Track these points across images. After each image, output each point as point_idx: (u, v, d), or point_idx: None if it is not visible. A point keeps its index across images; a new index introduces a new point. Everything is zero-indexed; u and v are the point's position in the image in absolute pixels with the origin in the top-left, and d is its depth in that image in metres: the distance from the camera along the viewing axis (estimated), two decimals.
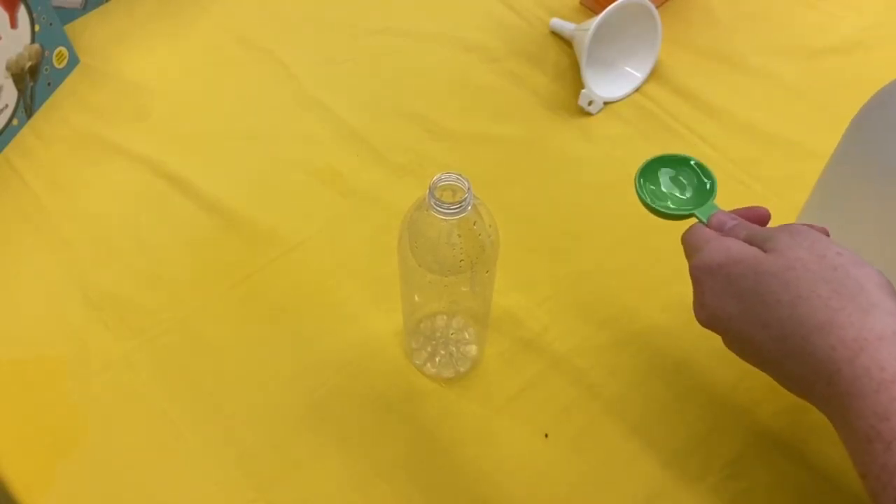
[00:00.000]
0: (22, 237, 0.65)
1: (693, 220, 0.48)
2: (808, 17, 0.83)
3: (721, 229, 0.46)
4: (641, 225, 0.60)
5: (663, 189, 0.51)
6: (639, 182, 0.50)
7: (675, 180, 0.51)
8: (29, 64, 0.71)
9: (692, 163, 0.51)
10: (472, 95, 0.76)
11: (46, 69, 0.73)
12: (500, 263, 0.50)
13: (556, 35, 0.81)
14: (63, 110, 0.74)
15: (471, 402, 0.56)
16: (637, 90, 0.76)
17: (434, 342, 0.59)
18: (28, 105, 0.72)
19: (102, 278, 0.62)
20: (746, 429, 0.55)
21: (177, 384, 0.57)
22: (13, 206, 0.67)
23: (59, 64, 0.75)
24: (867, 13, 0.83)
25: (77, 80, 0.76)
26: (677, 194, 0.50)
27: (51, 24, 0.72)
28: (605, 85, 0.75)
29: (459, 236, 0.45)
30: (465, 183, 0.43)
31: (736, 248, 0.43)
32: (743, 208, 0.48)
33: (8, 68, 0.68)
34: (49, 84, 0.74)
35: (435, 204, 0.43)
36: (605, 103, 0.75)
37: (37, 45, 0.71)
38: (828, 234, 0.44)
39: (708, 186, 0.49)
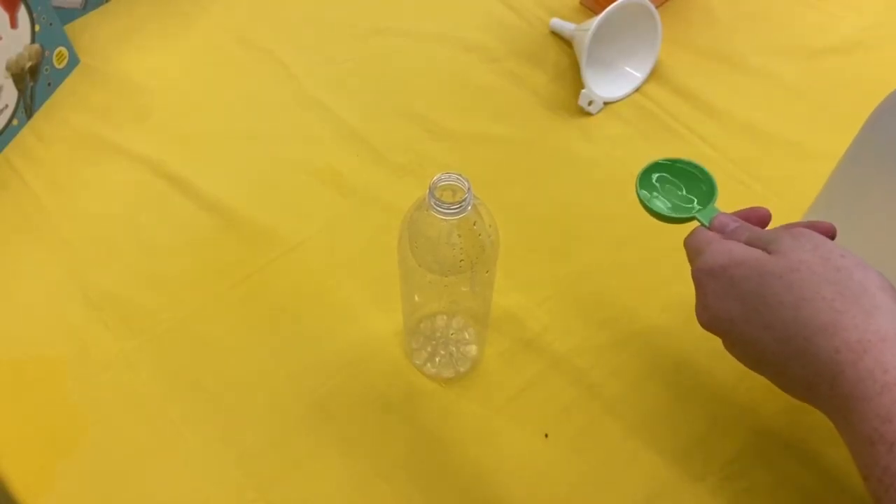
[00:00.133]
0: (22, 237, 0.65)
1: (694, 224, 0.48)
2: (808, 17, 0.83)
3: (723, 231, 0.46)
4: (641, 225, 0.60)
5: (664, 192, 0.51)
6: (640, 185, 0.50)
7: (676, 183, 0.51)
8: (29, 64, 0.71)
9: (693, 166, 0.51)
10: (472, 95, 0.76)
11: (46, 69, 0.73)
12: (500, 263, 0.50)
13: (556, 35, 0.81)
14: (63, 110, 0.74)
15: (471, 402, 0.56)
16: (637, 90, 0.76)
17: (434, 342, 0.59)
18: (28, 105, 0.72)
19: (102, 278, 0.62)
20: (747, 429, 0.55)
21: (177, 384, 0.57)
22: (13, 206, 0.67)
23: (59, 64, 0.75)
24: (867, 13, 0.83)
25: (77, 80, 0.76)
26: (678, 197, 0.50)
27: (51, 24, 0.72)
28: (605, 85, 0.75)
29: (459, 236, 0.45)
30: (465, 183, 0.43)
31: (738, 250, 0.43)
32: (744, 209, 0.48)
33: (8, 68, 0.68)
34: (49, 84, 0.74)
35: (435, 204, 0.43)
36: (605, 103, 0.75)
37: (37, 45, 0.71)
38: (834, 230, 0.44)
39: (709, 189, 0.49)
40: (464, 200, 0.43)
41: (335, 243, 0.65)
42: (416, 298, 0.55)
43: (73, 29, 0.79)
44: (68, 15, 0.80)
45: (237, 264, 0.63)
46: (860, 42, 0.80)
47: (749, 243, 0.43)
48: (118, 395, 0.56)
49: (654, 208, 0.49)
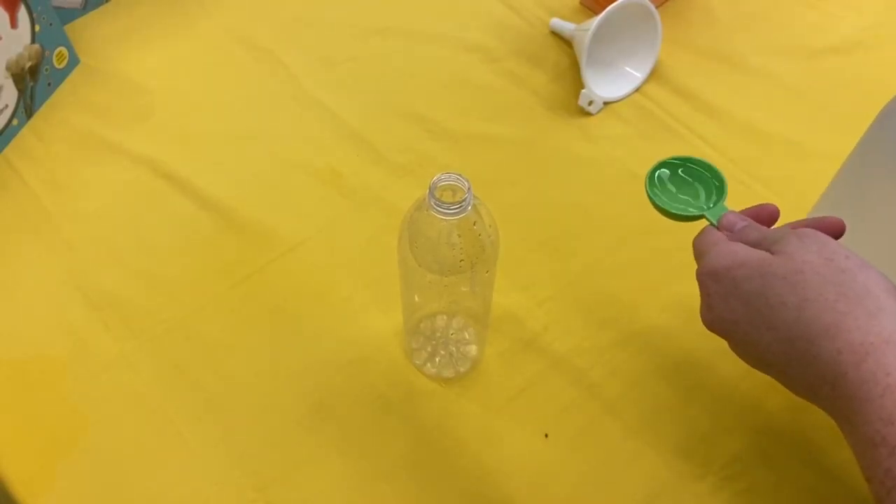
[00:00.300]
0: (22, 237, 0.65)
1: (704, 222, 0.48)
2: (808, 17, 0.83)
3: (731, 230, 0.46)
4: (641, 225, 0.60)
5: (674, 190, 0.51)
6: (649, 182, 0.50)
7: (686, 181, 0.51)
8: (29, 64, 0.71)
9: (703, 164, 0.51)
10: (472, 95, 0.76)
11: (46, 69, 0.73)
12: (500, 263, 0.50)
13: (556, 35, 0.81)
14: (63, 110, 0.74)
15: (471, 402, 0.56)
16: (637, 90, 0.76)
17: (434, 342, 0.59)
18: (28, 105, 0.72)
19: (102, 278, 0.62)
20: (748, 428, 0.55)
21: (177, 384, 0.57)
22: (13, 206, 0.67)
23: (59, 64, 0.75)
24: (867, 13, 0.83)
25: (77, 80, 0.76)
26: (688, 195, 0.50)
27: (51, 24, 0.72)
28: (605, 85, 0.75)
29: (459, 236, 0.45)
30: (465, 183, 0.43)
31: (742, 252, 0.43)
32: (752, 207, 0.48)
33: (8, 68, 0.68)
34: (49, 84, 0.74)
35: (435, 204, 0.43)
36: (605, 103, 0.75)
37: (37, 46, 0.71)
38: (843, 225, 0.44)
39: (718, 188, 0.50)
40: (464, 200, 0.43)
41: (335, 243, 0.65)
42: (416, 298, 0.55)
43: (73, 29, 0.79)
44: (68, 15, 0.79)
45: (237, 264, 0.63)
46: (860, 42, 0.80)
47: (756, 243, 0.43)
48: (118, 395, 0.56)
49: (664, 206, 0.49)
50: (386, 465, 0.53)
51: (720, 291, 0.43)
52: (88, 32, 0.80)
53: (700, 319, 0.45)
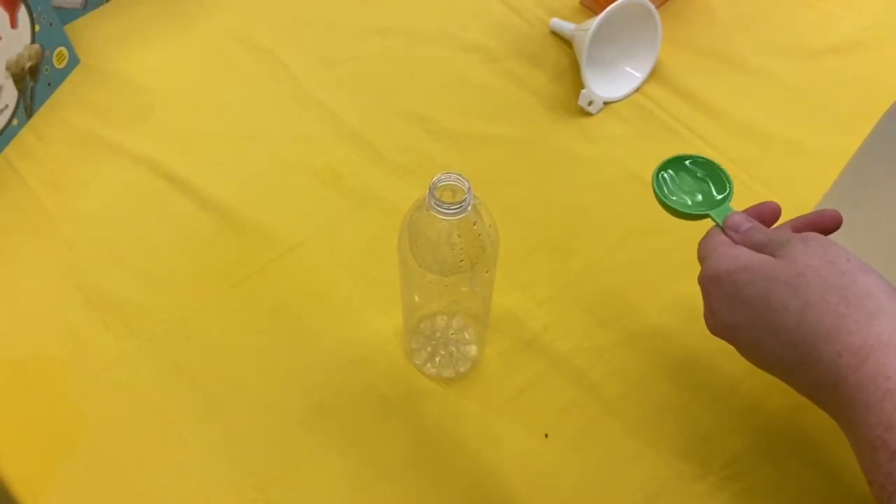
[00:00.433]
0: (22, 237, 0.65)
1: (709, 222, 0.48)
2: (808, 17, 0.83)
3: (737, 231, 0.46)
4: (641, 225, 0.60)
5: (680, 188, 0.51)
6: (656, 180, 0.50)
7: (692, 180, 0.51)
8: (29, 64, 0.71)
9: (709, 163, 0.51)
10: (472, 95, 0.76)
11: (46, 69, 0.73)
12: (500, 263, 0.50)
13: (556, 35, 0.81)
14: (63, 110, 0.74)
15: (471, 402, 0.56)
16: (637, 90, 0.76)
17: (434, 342, 0.59)
18: (28, 105, 0.72)
19: (102, 278, 0.62)
20: (748, 428, 0.55)
21: (177, 384, 0.57)
22: (13, 206, 0.67)
23: (59, 64, 0.75)
24: (867, 13, 0.83)
25: (77, 80, 0.76)
26: (693, 194, 0.50)
27: (51, 24, 0.72)
28: (605, 85, 0.75)
29: (459, 236, 0.45)
30: (465, 183, 0.43)
31: (744, 256, 0.43)
32: (754, 206, 0.48)
33: (8, 68, 0.68)
34: (49, 84, 0.74)
35: (435, 204, 0.43)
36: (605, 103, 0.75)
37: (37, 46, 0.71)
38: (841, 218, 0.44)
39: (724, 188, 0.50)
40: (464, 200, 0.43)
41: (335, 243, 0.65)
42: (416, 298, 0.55)
43: (73, 29, 0.79)
44: (68, 15, 0.79)
45: (237, 264, 0.63)
46: (860, 42, 0.80)
47: (761, 246, 0.43)
48: (118, 395, 0.56)
49: (670, 204, 0.49)
50: (386, 465, 0.53)
51: (722, 296, 0.43)
52: (88, 32, 0.80)
53: (700, 320, 0.45)
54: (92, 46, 0.79)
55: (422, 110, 0.74)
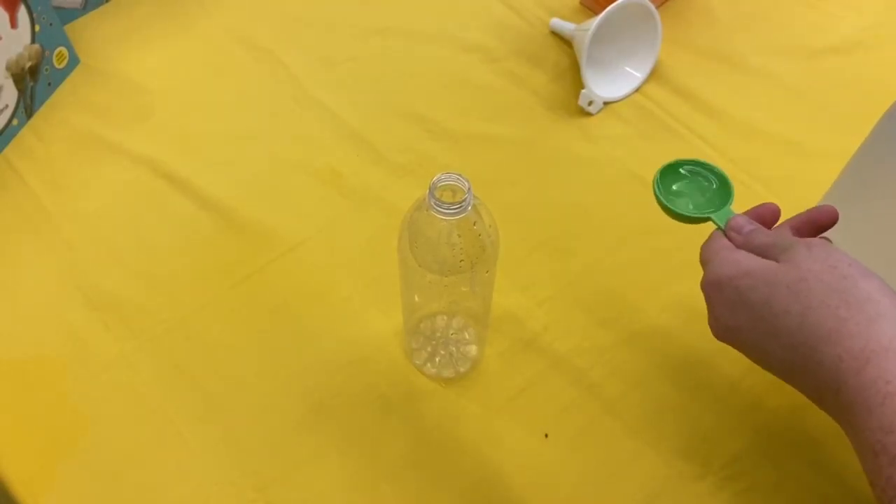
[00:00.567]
0: (22, 237, 0.65)
1: (708, 226, 0.48)
2: (808, 17, 0.83)
3: (739, 233, 0.46)
4: (641, 225, 0.60)
5: (681, 191, 0.51)
6: (657, 184, 0.50)
7: (693, 184, 0.51)
8: (29, 64, 0.71)
9: (710, 167, 0.51)
10: (472, 95, 0.76)
11: (46, 69, 0.73)
12: (500, 263, 0.50)
13: (556, 35, 0.81)
14: (63, 110, 0.74)
15: (471, 402, 0.56)
16: (637, 90, 0.76)
17: (434, 342, 0.59)
18: (28, 105, 0.72)
19: (102, 278, 0.62)
20: (748, 427, 0.55)
21: (177, 384, 0.57)
22: (13, 206, 0.67)
23: (59, 64, 0.75)
24: (867, 13, 0.83)
25: (77, 80, 0.76)
26: (695, 197, 0.50)
27: (51, 24, 0.72)
28: (605, 85, 0.75)
29: (459, 236, 0.45)
30: (465, 183, 0.43)
31: (746, 261, 0.43)
32: (754, 207, 0.48)
33: (8, 68, 0.68)
34: (49, 84, 0.74)
35: (435, 204, 0.43)
36: (605, 103, 0.75)
37: (37, 46, 0.71)
38: (837, 214, 0.45)
39: (725, 191, 0.50)
40: (464, 200, 0.43)
41: (335, 243, 0.65)
42: (416, 298, 0.55)
43: (73, 29, 0.79)
44: (68, 15, 0.79)
45: (237, 264, 0.63)
46: (860, 42, 0.80)
47: (762, 248, 0.44)
48: (118, 395, 0.56)
49: (671, 207, 0.50)
50: (386, 465, 0.53)
51: (724, 301, 0.43)
52: (88, 32, 0.80)
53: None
54: (92, 46, 0.79)
55: (422, 110, 0.74)
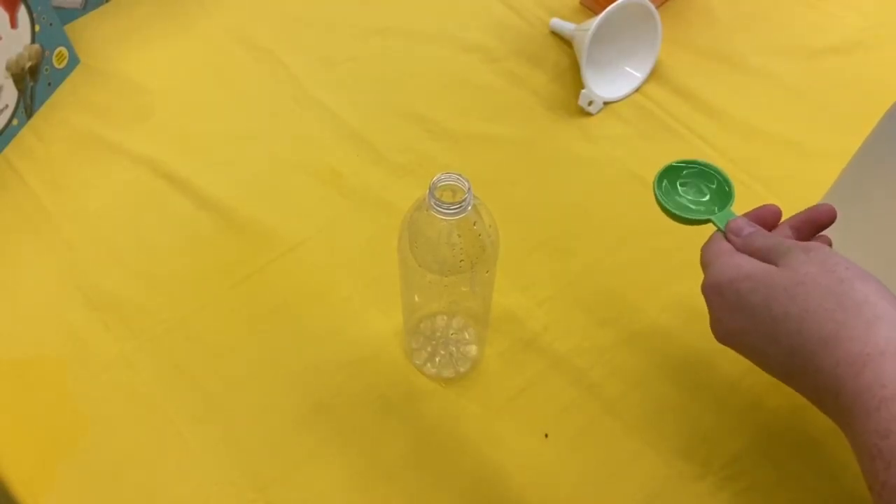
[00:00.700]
0: (22, 237, 0.65)
1: (710, 228, 0.48)
2: (808, 17, 0.83)
3: (739, 235, 0.46)
4: (641, 225, 0.60)
5: (682, 193, 0.51)
6: (657, 185, 0.50)
7: (694, 185, 0.51)
8: (29, 64, 0.71)
9: (711, 168, 0.51)
10: (472, 95, 0.76)
11: (46, 69, 0.73)
12: (500, 263, 0.50)
13: (556, 35, 0.81)
14: (63, 110, 0.74)
15: (471, 402, 0.56)
16: (637, 90, 0.76)
17: (434, 342, 0.59)
18: (28, 105, 0.72)
19: (102, 278, 0.62)
20: (748, 427, 0.55)
21: (177, 384, 0.57)
22: (13, 206, 0.67)
23: (59, 64, 0.75)
24: (867, 13, 0.83)
25: (77, 80, 0.76)
26: (695, 199, 0.50)
27: (51, 24, 0.72)
28: (605, 85, 0.75)
29: (459, 236, 0.45)
30: (465, 183, 0.43)
31: (746, 264, 0.43)
32: (754, 209, 0.48)
33: (8, 68, 0.68)
34: (49, 84, 0.74)
35: (435, 204, 0.43)
36: (605, 103, 0.75)
37: (37, 46, 0.71)
38: (835, 212, 0.45)
39: (726, 193, 0.50)
40: (464, 200, 0.43)
41: (335, 243, 0.65)
42: (416, 298, 0.55)
43: (73, 29, 0.79)
44: (68, 15, 0.79)
45: (237, 264, 0.63)
46: (860, 42, 0.80)
47: (762, 251, 0.44)
48: (118, 395, 0.56)
49: (671, 208, 0.49)
50: (386, 465, 0.53)
51: (725, 304, 0.43)
52: (88, 32, 0.80)
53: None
54: (92, 46, 0.79)
55: (422, 110, 0.74)
